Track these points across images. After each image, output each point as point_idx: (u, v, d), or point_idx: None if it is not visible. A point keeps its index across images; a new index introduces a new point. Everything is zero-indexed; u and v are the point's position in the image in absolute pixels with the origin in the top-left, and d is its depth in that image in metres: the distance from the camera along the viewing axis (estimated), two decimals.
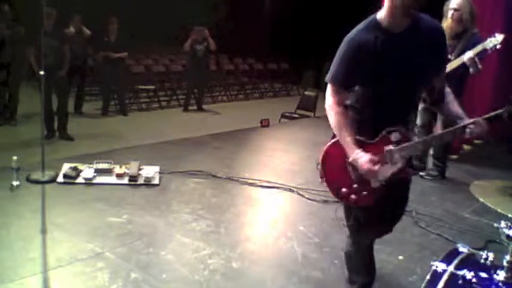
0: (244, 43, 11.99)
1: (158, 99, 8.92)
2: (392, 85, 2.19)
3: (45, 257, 3.09)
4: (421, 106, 5.17)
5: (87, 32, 7.55)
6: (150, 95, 9.08)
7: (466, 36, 4.67)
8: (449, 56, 4.80)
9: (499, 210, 2.04)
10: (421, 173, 5.27)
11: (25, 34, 6.32)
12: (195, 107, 9.09)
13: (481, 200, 2.14)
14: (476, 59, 4.60)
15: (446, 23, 4.80)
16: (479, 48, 4.56)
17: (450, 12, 4.75)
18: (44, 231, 3.45)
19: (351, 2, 10.47)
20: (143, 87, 8.96)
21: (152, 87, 8.98)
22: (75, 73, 7.26)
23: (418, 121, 5.27)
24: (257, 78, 11.50)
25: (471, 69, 4.64)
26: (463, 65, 4.70)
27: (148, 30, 10.62)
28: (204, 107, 9.48)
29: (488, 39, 4.52)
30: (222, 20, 12.96)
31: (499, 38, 4.46)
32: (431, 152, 5.24)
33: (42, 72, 4.53)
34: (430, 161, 5.28)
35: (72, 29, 7.27)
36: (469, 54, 4.61)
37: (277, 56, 11.70)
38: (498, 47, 4.47)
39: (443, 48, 2.25)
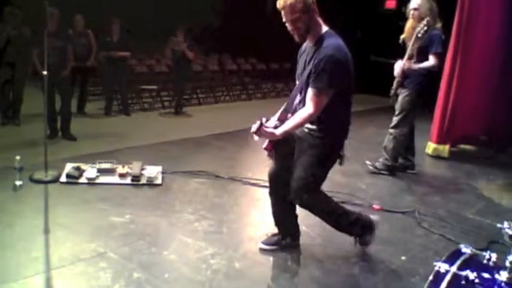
0: (246, 43, 11.99)
1: (161, 100, 8.91)
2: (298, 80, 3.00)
3: (48, 256, 3.10)
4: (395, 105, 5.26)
5: (93, 40, 7.56)
6: (153, 95, 9.08)
7: (427, 33, 4.74)
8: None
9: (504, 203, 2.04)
10: (366, 161, 5.28)
11: (30, 35, 6.33)
12: (198, 108, 9.09)
13: (485, 193, 2.14)
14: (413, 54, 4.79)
15: (409, 24, 4.91)
16: (413, 39, 4.73)
17: (411, 13, 4.90)
18: (46, 231, 3.47)
19: (352, 3, 10.46)
20: (146, 87, 8.95)
21: (155, 87, 8.97)
22: (78, 73, 7.27)
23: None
24: (260, 78, 11.49)
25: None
26: (424, 61, 4.83)
27: (151, 30, 10.62)
28: (207, 106, 9.48)
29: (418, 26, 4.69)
30: (225, 20, 12.96)
31: (424, 21, 4.63)
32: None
33: (45, 72, 4.55)
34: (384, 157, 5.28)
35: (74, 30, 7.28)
36: (398, 65, 4.94)
37: (280, 56, 11.69)
38: (425, 28, 4.62)
39: (317, 69, 2.77)
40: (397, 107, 5.09)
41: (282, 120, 2.99)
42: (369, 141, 6.62)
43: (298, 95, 2.98)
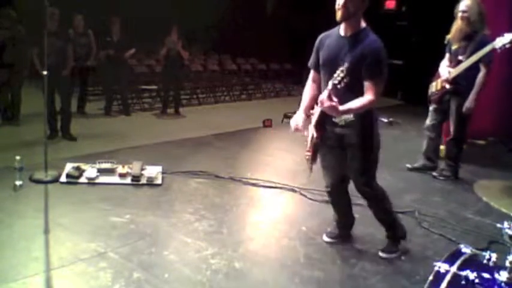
0: (246, 43, 11.99)
1: (161, 100, 8.92)
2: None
3: (48, 256, 3.10)
4: (432, 107, 5.24)
5: (93, 40, 7.57)
6: (153, 95, 9.09)
7: (477, 38, 4.68)
8: (460, 58, 4.83)
9: (503, 210, 2.04)
10: (433, 173, 5.27)
11: (27, 34, 6.34)
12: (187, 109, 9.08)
13: (485, 199, 2.14)
14: (481, 66, 4.72)
15: (456, 25, 4.84)
16: (487, 48, 4.60)
17: (459, 15, 4.80)
18: (46, 230, 3.46)
19: None
20: (146, 87, 8.96)
21: (155, 87, 8.98)
22: (78, 73, 7.27)
23: (428, 121, 5.30)
24: (260, 79, 11.50)
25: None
26: (476, 67, 4.73)
27: (151, 30, 10.64)
28: (207, 106, 9.47)
29: (498, 39, 4.56)
30: (225, 20, 12.96)
31: (508, 37, 4.50)
32: (444, 152, 5.25)
33: (45, 72, 4.55)
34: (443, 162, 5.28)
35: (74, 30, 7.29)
36: (445, 69, 4.90)
37: (280, 56, 11.70)
38: (508, 46, 4.50)
39: (375, 60, 2.92)
40: (454, 116, 4.99)
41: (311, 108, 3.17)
42: None
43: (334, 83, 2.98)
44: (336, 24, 3.07)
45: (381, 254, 3.38)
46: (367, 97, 2.92)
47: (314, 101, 3.15)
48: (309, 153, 3.19)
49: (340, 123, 3.07)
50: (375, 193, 3.29)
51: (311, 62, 3.26)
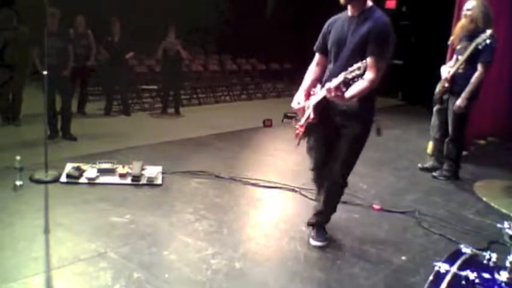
0: (246, 43, 11.99)
1: (161, 100, 8.92)
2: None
3: (48, 256, 3.10)
4: (435, 107, 5.25)
5: (93, 41, 7.58)
6: (153, 95, 9.09)
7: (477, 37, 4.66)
8: (459, 57, 4.84)
9: (503, 211, 2.04)
10: (434, 173, 5.27)
11: (29, 34, 6.34)
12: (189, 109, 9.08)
13: (485, 199, 2.14)
14: (479, 67, 4.70)
15: (460, 23, 4.86)
16: (472, 46, 4.62)
17: (463, 13, 4.84)
18: (47, 231, 3.46)
19: None
20: (146, 87, 8.97)
21: (155, 87, 8.99)
22: (78, 73, 7.27)
23: (432, 121, 5.32)
24: (260, 79, 11.50)
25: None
26: (475, 67, 4.73)
27: (151, 30, 10.65)
28: (207, 106, 9.47)
29: (479, 37, 4.56)
30: (225, 20, 12.96)
31: (487, 33, 4.50)
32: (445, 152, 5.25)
33: (45, 72, 4.55)
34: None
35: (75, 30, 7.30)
36: (445, 69, 4.92)
37: (280, 56, 11.70)
38: (488, 41, 4.52)
39: (378, 37, 2.90)
40: (451, 115, 5.00)
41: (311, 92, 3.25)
42: (369, 141, 6.62)
43: (338, 63, 3.06)
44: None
45: (315, 243, 3.45)
46: (368, 76, 2.87)
47: (316, 82, 3.26)
48: (301, 129, 3.35)
49: (342, 107, 3.09)
50: (343, 186, 3.34)
51: (317, 46, 3.30)
